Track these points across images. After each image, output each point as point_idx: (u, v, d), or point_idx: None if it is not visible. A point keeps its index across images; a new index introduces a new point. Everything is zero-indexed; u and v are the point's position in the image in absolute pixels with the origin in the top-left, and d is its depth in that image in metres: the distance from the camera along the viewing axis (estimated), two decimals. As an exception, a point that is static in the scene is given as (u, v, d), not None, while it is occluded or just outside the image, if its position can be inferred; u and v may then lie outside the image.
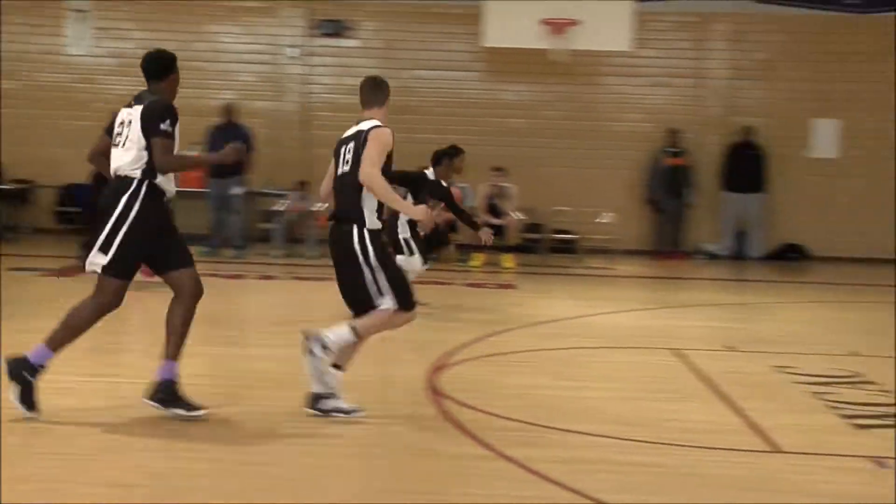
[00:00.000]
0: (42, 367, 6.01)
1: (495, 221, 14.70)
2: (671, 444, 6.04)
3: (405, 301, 6.33)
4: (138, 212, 5.99)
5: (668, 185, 16.80)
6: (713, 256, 17.02)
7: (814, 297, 13.36)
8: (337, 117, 14.47)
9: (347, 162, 6.33)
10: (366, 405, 6.42)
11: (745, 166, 16.76)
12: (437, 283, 12.35)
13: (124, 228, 5.97)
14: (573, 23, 15.40)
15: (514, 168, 15.85)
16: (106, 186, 6.19)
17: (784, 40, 17.15)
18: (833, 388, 7.63)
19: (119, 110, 6.25)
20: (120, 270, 6.03)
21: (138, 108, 6.09)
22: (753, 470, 5.69)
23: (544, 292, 13.03)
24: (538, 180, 16.56)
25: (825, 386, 7.70)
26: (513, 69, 17.09)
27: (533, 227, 16.60)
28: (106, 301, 6.08)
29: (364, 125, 6.38)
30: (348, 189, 6.29)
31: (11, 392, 5.97)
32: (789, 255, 16.98)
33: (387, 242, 6.77)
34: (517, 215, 15.38)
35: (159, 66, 6.25)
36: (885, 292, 13.34)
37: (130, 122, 6.08)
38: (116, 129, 6.19)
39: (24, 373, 5.97)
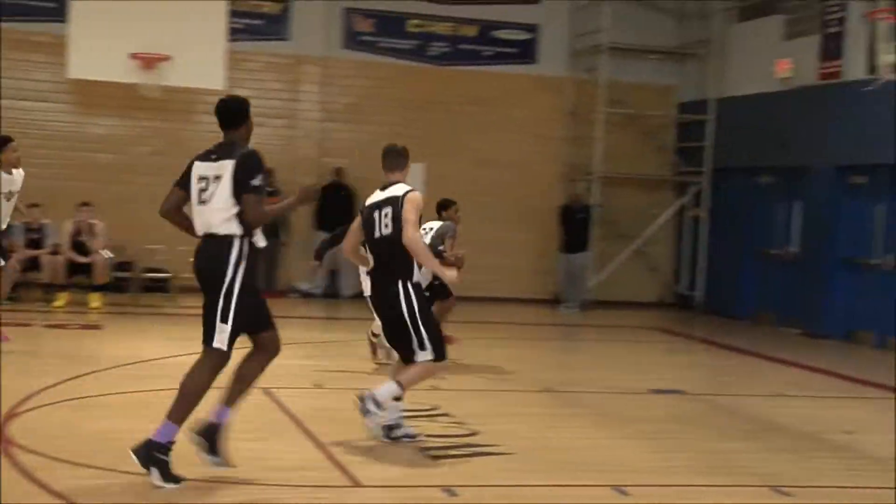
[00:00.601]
0: (172, 442, 5.92)
1: (81, 259, 14.08)
2: (254, 484, 6.05)
3: (442, 352, 7.15)
4: (245, 272, 5.97)
5: (264, 225, 16.85)
6: (306, 295, 17.30)
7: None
8: None
9: (387, 226, 7.11)
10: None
11: (336, 206, 17.18)
12: (16, 324, 11.64)
13: (237, 292, 5.96)
14: (164, 58, 15.16)
15: (103, 204, 15.31)
16: (199, 248, 6.08)
17: (370, 85, 17.84)
18: (412, 422, 7.97)
19: (192, 163, 6.09)
20: (236, 334, 6.05)
21: (225, 163, 5.95)
22: (334, 505, 5.82)
23: (134, 332, 12.65)
24: (129, 217, 16.07)
25: (405, 420, 8.02)
26: (102, 102, 16.54)
27: (123, 266, 16.09)
28: (220, 361, 6.03)
29: (397, 190, 7.19)
30: (392, 248, 7.02)
31: (153, 475, 5.86)
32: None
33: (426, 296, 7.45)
34: (106, 253, 14.85)
35: (237, 114, 6.17)
36: (467, 328, 14.15)
37: (217, 177, 5.94)
38: (198, 185, 6.02)
39: (156, 454, 5.86)
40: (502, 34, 18.25)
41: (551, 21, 18.29)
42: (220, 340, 6.01)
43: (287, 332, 14.23)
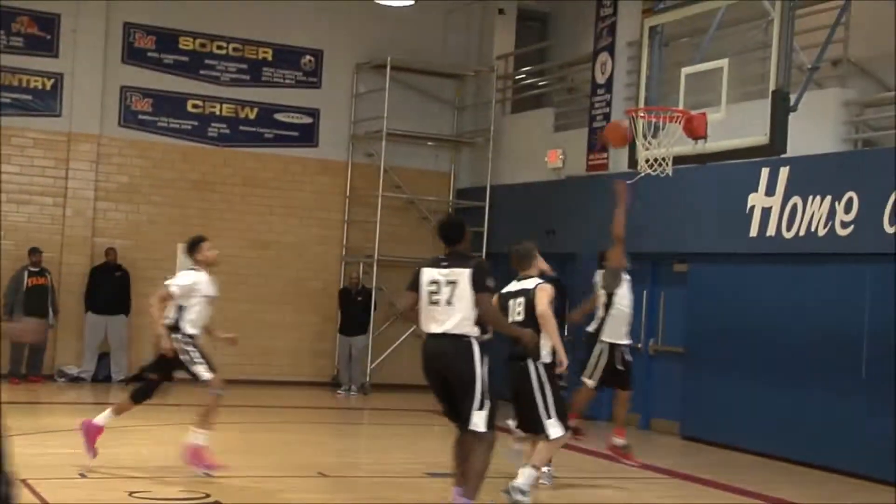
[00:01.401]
0: None
1: None
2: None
3: (566, 424, 8.40)
4: (487, 365, 7.28)
5: (29, 306, 16.21)
6: (75, 379, 16.65)
7: (173, 419, 13.52)
8: None
9: (520, 313, 8.37)
10: None
11: (109, 288, 16.72)
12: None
13: (486, 381, 7.25)
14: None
15: None
16: (437, 345, 7.34)
17: (147, 165, 17.52)
18: (183, 511, 7.77)
19: (420, 269, 7.46)
20: (492, 416, 7.36)
21: (460, 270, 7.27)
22: None
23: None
24: None
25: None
26: None
27: None
28: (492, 439, 7.39)
29: (528, 283, 8.66)
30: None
31: None
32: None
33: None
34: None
35: (459, 231, 7.64)
36: (239, 412, 13.93)
37: (451, 282, 7.25)
38: (429, 287, 7.33)
39: None
40: (283, 117, 18.34)
41: (332, 106, 18.52)
42: (486, 424, 7.32)
43: (53, 418, 13.72)
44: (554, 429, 8.36)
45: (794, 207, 12.53)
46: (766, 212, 12.89)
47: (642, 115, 10.22)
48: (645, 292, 14.76)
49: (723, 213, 13.56)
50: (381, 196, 18.02)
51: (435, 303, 7.32)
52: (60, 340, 16.78)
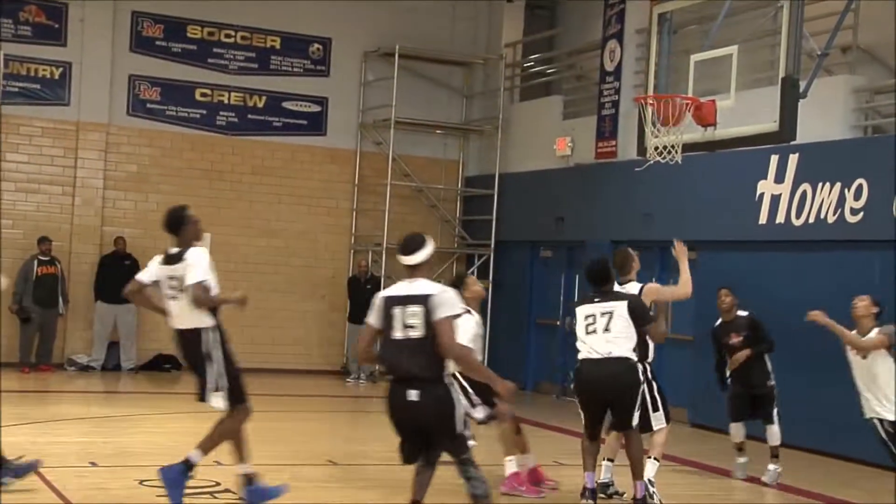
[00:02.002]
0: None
1: None
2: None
3: (668, 416, 9.11)
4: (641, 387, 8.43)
5: (39, 295, 16.26)
6: (85, 368, 16.69)
7: (182, 407, 13.55)
8: None
9: (608, 329, 8.29)
10: None
11: (119, 277, 16.70)
12: None
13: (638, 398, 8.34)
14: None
15: None
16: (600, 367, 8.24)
17: (156, 154, 17.53)
18: (193, 499, 7.79)
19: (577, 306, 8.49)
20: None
21: (618, 304, 8.23)
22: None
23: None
24: None
25: (185, 497, 7.83)
26: None
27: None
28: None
29: (633, 288, 8.85)
30: (632, 340, 8.30)
31: None
32: (162, 366, 17.11)
33: None
34: None
35: (608, 272, 8.42)
36: (261, 401, 13.94)
37: (604, 313, 8.16)
38: (587, 321, 8.23)
39: None
40: (291, 105, 18.33)
41: (340, 94, 18.50)
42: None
43: (63, 407, 13.78)
44: (660, 423, 9.07)
45: (804, 194, 12.50)
46: (775, 199, 12.86)
47: (651, 102, 10.18)
48: (653, 279, 14.73)
49: (732, 201, 13.54)
50: (389, 184, 18.01)
51: (590, 332, 8.25)
52: (70, 329, 16.83)
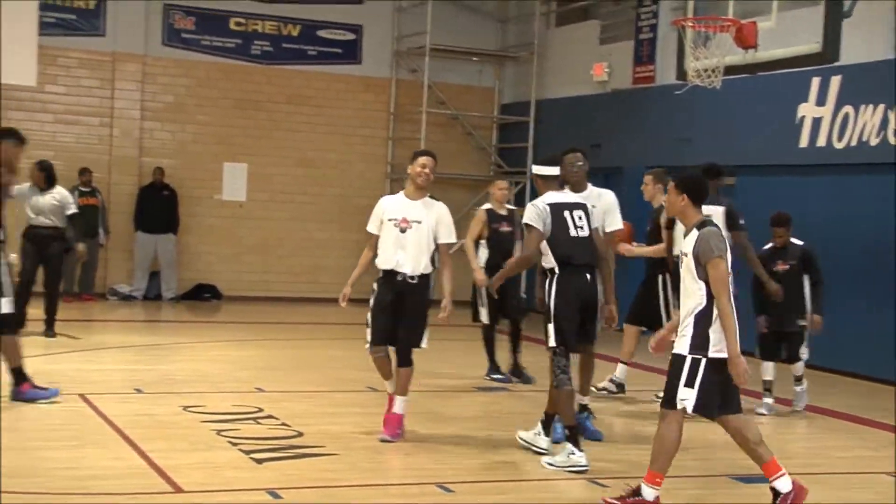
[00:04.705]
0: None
1: None
2: (71, 494, 5.90)
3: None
4: None
5: (80, 226, 16.38)
6: (126, 297, 16.88)
7: (223, 336, 13.74)
8: None
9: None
10: None
11: (157, 207, 16.86)
12: None
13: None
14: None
15: None
16: None
17: (192, 84, 17.53)
18: (236, 425, 7.91)
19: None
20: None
21: (716, 208, 8.62)
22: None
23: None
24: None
25: (229, 423, 7.96)
26: None
27: None
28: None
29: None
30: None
31: None
32: (202, 296, 17.29)
33: None
34: None
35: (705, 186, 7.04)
36: (287, 329, 14.10)
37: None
38: None
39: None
40: (326, 34, 18.22)
41: (374, 22, 18.36)
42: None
43: (106, 336, 13.94)
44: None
45: (846, 117, 12.31)
46: (816, 122, 12.68)
47: (690, 24, 10.04)
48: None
49: (772, 124, 13.36)
50: (424, 112, 17.92)
51: None
52: (111, 259, 17.00)
